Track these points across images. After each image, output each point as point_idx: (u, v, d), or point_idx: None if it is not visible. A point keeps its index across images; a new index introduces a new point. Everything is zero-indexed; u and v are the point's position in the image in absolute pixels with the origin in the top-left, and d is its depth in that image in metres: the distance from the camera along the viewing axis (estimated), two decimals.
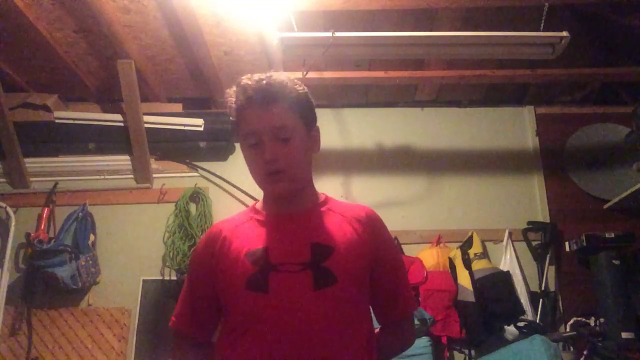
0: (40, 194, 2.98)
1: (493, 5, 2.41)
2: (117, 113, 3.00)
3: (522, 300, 2.60)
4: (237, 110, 1.20)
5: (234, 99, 1.20)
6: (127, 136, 2.94)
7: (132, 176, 3.07)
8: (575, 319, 2.68)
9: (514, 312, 2.54)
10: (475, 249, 2.72)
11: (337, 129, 3.12)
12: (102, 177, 3.07)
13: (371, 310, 1.25)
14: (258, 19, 2.44)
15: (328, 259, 1.13)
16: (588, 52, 2.87)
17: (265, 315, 1.09)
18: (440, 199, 3.01)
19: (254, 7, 2.36)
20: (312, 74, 2.65)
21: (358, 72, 2.89)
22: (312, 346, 1.06)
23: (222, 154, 3.10)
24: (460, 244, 2.79)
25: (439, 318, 2.54)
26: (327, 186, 2.90)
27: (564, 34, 2.19)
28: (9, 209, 2.85)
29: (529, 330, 2.52)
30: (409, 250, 2.82)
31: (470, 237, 2.77)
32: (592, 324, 2.61)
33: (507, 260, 2.80)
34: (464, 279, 2.63)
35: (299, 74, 2.53)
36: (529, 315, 2.62)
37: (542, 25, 2.23)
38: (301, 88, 1.21)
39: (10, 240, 2.78)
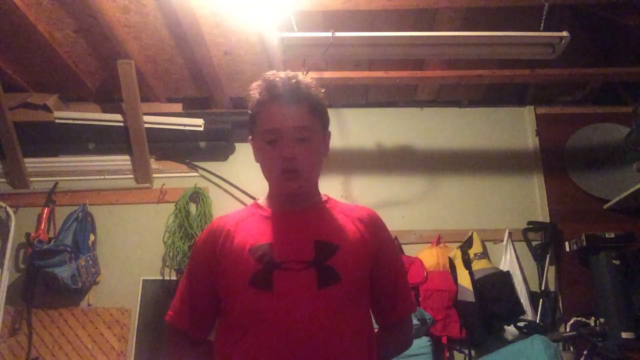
0: (40, 194, 2.98)
1: (493, 5, 2.40)
2: (117, 113, 3.00)
3: (522, 300, 2.60)
4: (259, 104, 1.19)
5: (258, 93, 1.19)
6: (127, 136, 2.94)
7: (132, 176, 3.07)
8: (575, 319, 2.68)
9: (514, 312, 2.54)
10: (475, 249, 2.72)
11: (337, 129, 3.12)
12: (102, 177, 3.07)
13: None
14: (258, 19, 2.44)
15: (332, 258, 1.13)
16: (588, 52, 2.87)
17: (268, 314, 1.08)
18: (440, 199, 3.01)
19: (254, 7, 2.36)
20: (312, 74, 2.64)
21: (358, 72, 2.89)
22: (314, 345, 1.06)
23: (222, 154, 3.10)
24: (460, 244, 2.79)
25: (439, 318, 2.54)
26: (327, 186, 2.88)
27: (564, 34, 2.19)
28: (9, 209, 2.85)
29: (529, 330, 2.52)
30: (409, 250, 2.82)
31: (470, 237, 2.77)
32: (592, 324, 2.61)
33: (507, 260, 2.80)
34: (464, 279, 2.63)
35: (299, 74, 2.53)
36: (529, 315, 2.62)
37: (542, 25, 2.23)
38: (321, 92, 1.23)
39: (10, 240, 2.78)
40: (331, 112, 1.28)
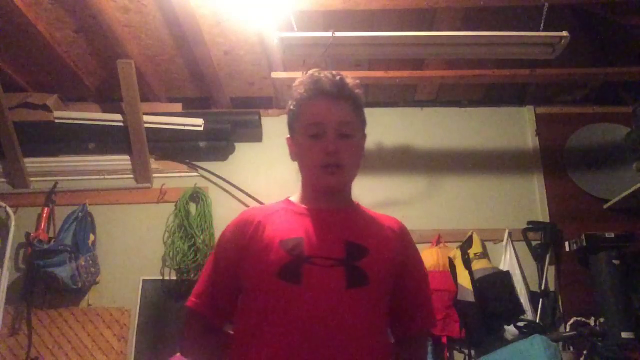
0: (40, 194, 2.98)
1: (493, 5, 2.40)
2: (117, 113, 3.00)
3: (522, 300, 2.60)
4: (305, 99, 1.21)
5: (303, 88, 1.21)
6: (127, 136, 2.94)
7: (132, 176, 3.07)
8: (575, 319, 2.68)
9: (514, 312, 2.54)
10: (475, 249, 2.72)
11: None
12: (102, 177, 3.07)
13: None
14: (258, 19, 2.44)
15: (362, 260, 1.13)
16: (588, 52, 2.87)
17: (295, 307, 1.07)
18: (440, 199, 3.01)
19: (254, 7, 2.36)
20: None
21: (358, 72, 2.88)
22: (338, 343, 1.05)
23: (222, 154, 3.10)
24: (460, 244, 2.79)
25: (439, 318, 2.53)
26: None
27: (564, 34, 2.19)
28: (9, 209, 2.85)
29: (529, 330, 2.51)
30: None
31: (470, 237, 2.77)
32: (592, 324, 2.61)
33: (507, 260, 2.79)
34: (464, 279, 2.63)
35: (299, 74, 2.53)
36: (529, 315, 2.62)
37: (542, 25, 2.23)
38: (362, 93, 1.27)
39: (10, 240, 2.78)
40: None
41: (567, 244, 2.86)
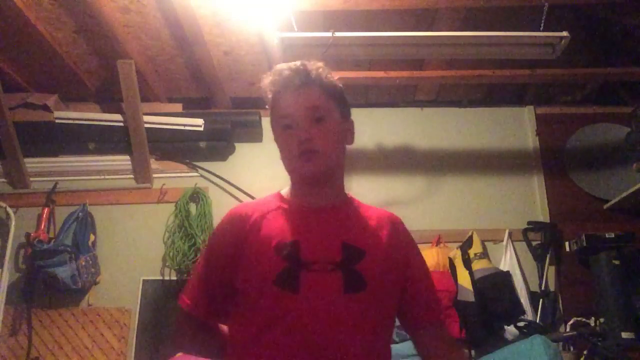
0: (40, 194, 2.98)
1: (493, 5, 2.40)
2: (117, 113, 3.00)
3: (522, 300, 2.60)
4: (272, 94, 1.21)
5: (270, 84, 1.21)
6: (127, 136, 2.94)
7: (132, 176, 3.07)
8: (575, 319, 2.68)
9: (514, 312, 2.54)
10: (475, 249, 2.72)
11: None
12: (102, 177, 3.07)
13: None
14: (258, 19, 2.44)
15: (359, 263, 1.10)
16: (588, 52, 2.86)
17: (291, 316, 1.05)
18: (440, 199, 3.01)
19: (254, 7, 2.36)
20: None
21: (358, 72, 2.89)
22: (334, 352, 1.03)
23: (222, 154, 3.10)
24: (460, 244, 2.79)
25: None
26: None
27: (564, 34, 2.19)
28: (9, 209, 2.85)
29: (529, 330, 2.51)
30: None
31: (470, 237, 2.77)
32: (592, 324, 2.61)
33: (507, 260, 2.80)
34: (464, 279, 2.63)
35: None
36: (529, 315, 2.62)
37: (542, 25, 2.23)
38: (337, 81, 1.24)
39: (10, 240, 2.78)
40: None
41: (567, 244, 2.87)
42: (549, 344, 2.08)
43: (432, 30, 2.55)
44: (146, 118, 2.94)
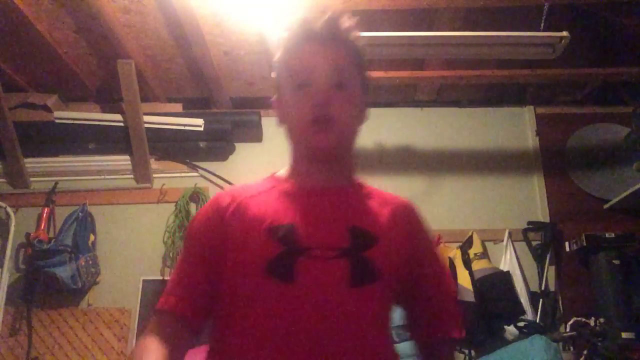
0: (40, 194, 2.98)
1: (493, 5, 2.40)
2: (117, 113, 3.00)
3: (522, 300, 2.60)
4: (291, 44, 1.01)
5: (289, 33, 1.02)
6: (127, 136, 2.94)
7: (132, 176, 3.07)
8: (575, 319, 2.67)
9: (514, 312, 2.54)
10: (475, 249, 2.72)
11: None
12: (102, 177, 3.07)
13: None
14: (258, 19, 2.44)
15: (370, 249, 0.93)
16: (588, 52, 2.86)
17: (285, 312, 0.88)
18: (440, 199, 3.01)
19: (254, 7, 2.36)
20: None
21: None
22: (335, 352, 0.87)
23: (222, 154, 3.10)
24: (460, 244, 2.79)
25: None
26: None
27: (564, 34, 2.19)
28: (9, 209, 2.85)
29: (529, 330, 2.51)
30: None
31: (470, 237, 2.77)
32: (592, 324, 2.60)
33: (507, 260, 2.80)
34: (464, 279, 2.63)
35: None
36: (529, 315, 2.62)
37: (542, 25, 2.23)
38: (362, 42, 1.06)
39: (10, 240, 2.79)
40: None
41: (567, 244, 2.86)
42: (549, 344, 2.09)
43: (432, 30, 2.55)
44: (146, 118, 2.93)
